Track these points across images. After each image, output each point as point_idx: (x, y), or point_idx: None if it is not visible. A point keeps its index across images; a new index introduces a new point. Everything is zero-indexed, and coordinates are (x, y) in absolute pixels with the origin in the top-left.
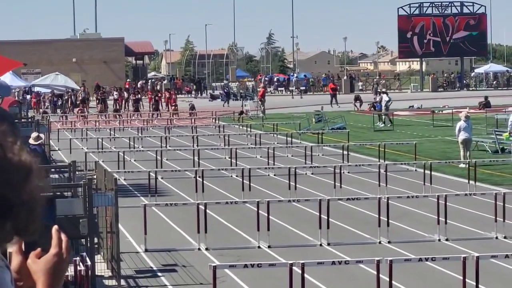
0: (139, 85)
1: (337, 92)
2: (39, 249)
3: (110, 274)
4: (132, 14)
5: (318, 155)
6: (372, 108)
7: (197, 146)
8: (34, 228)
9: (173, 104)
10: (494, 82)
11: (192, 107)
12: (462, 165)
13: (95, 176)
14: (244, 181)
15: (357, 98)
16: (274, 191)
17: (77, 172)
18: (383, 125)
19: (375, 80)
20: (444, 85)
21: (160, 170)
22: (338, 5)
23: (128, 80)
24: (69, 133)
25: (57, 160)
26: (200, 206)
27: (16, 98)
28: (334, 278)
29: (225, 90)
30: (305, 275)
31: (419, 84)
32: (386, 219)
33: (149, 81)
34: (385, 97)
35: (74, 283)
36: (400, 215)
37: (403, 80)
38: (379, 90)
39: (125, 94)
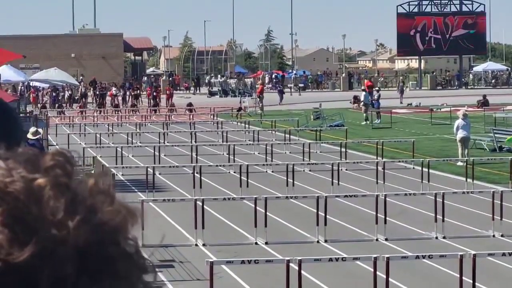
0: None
1: (373, 90)
2: None
3: None
4: (131, 10)
5: (316, 152)
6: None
7: (195, 142)
8: None
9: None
10: (493, 81)
11: (190, 105)
12: (460, 163)
13: (93, 172)
14: (242, 177)
15: (356, 98)
16: (272, 188)
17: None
18: (378, 121)
19: (400, 78)
20: (443, 83)
21: (158, 165)
22: (337, 2)
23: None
24: (67, 128)
25: None
26: (198, 202)
27: (13, 93)
28: (331, 275)
29: (222, 86)
30: (302, 272)
31: (417, 82)
32: (383, 217)
33: (149, 76)
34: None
35: None
36: (397, 212)
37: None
38: (376, 88)
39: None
